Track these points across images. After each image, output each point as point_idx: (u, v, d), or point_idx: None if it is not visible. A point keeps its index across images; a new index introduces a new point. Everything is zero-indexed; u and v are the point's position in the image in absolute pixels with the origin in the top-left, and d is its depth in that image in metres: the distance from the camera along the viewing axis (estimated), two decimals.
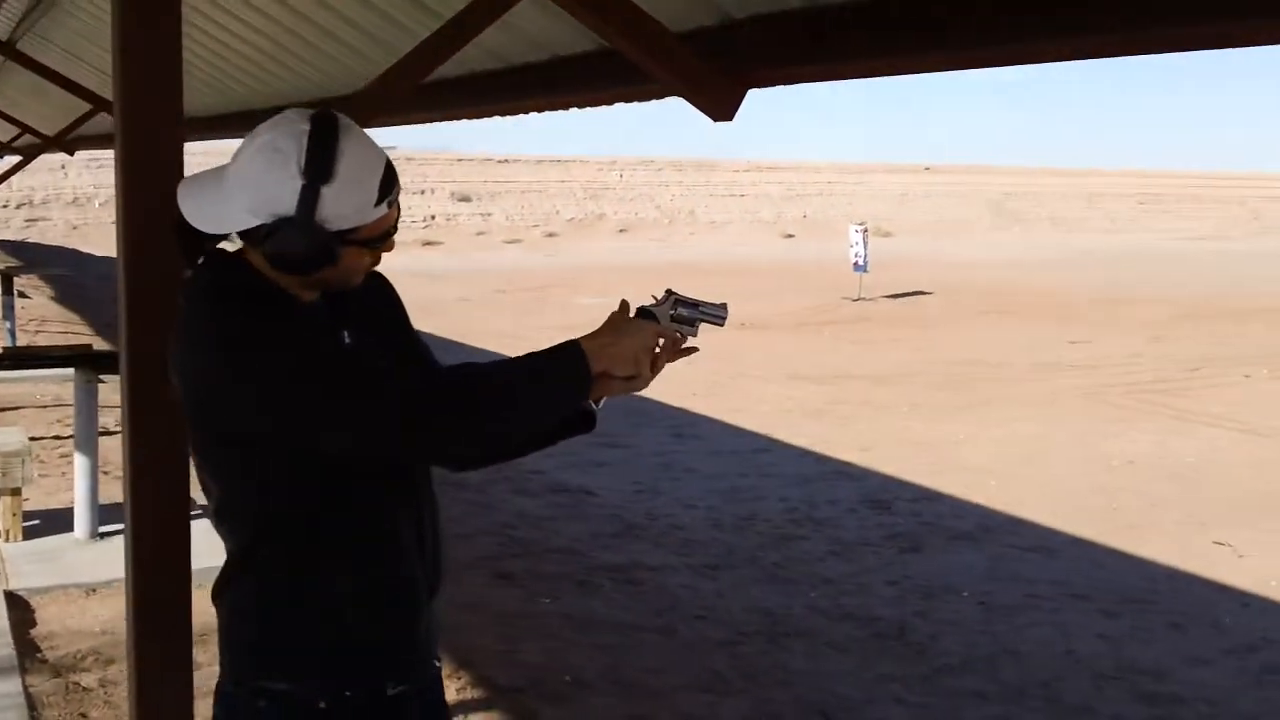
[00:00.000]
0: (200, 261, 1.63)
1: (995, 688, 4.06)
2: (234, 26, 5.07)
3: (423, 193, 34.22)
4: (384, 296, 1.76)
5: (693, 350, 1.72)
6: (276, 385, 1.50)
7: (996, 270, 26.04)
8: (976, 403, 10.12)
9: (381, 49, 4.11)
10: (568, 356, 1.56)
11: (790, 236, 38.39)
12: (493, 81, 3.74)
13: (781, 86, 2.73)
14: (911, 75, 2.65)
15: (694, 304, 1.74)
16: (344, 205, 1.52)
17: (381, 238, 1.59)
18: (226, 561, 1.65)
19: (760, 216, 40.05)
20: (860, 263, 20.22)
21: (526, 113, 3.83)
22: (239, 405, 1.52)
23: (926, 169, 47.52)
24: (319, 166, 1.49)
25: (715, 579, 5.21)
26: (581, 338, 1.59)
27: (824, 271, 23.43)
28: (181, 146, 2.09)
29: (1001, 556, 5.72)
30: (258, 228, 1.52)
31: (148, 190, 2.08)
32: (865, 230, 21.10)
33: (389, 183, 1.57)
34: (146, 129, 2.13)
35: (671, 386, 6.01)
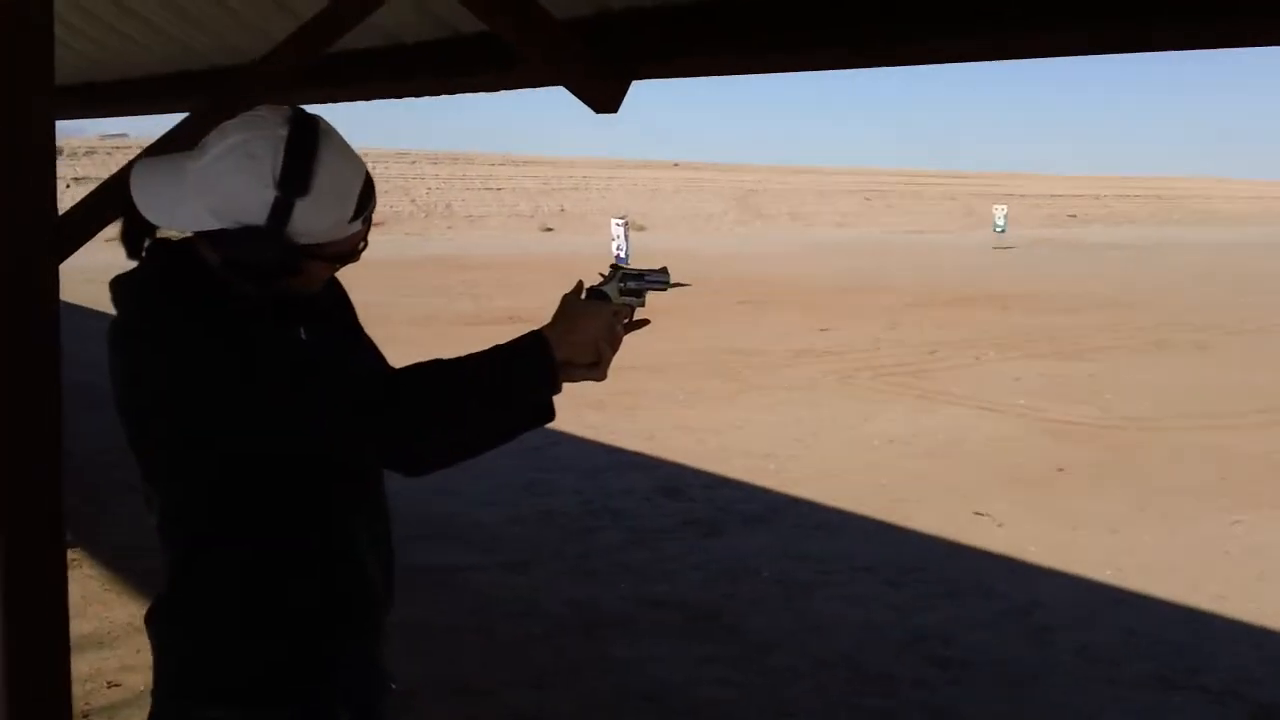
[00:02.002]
0: (145, 252, 1.49)
1: (806, 662, 4.30)
2: None
3: None
4: (334, 295, 1.67)
5: (645, 322, 1.69)
6: (270, 384, 1.40)
7: (746, 262, 27.20)
8: (745, 390, 10.56)
9: (268, 21, 3.81)
10: (533, 349, 1.50)
11: (550, 230, 38.60)
12: (379, 61, 3.51)
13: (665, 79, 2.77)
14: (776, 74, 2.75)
15: (639, 275, 1.71)
16: (317, 221, 1.43)
17: (350, 254, 1.51)
18: (168, 579, 1.53)
19: (519, 210, 40.06)
20: (622, 255, 20.66)
21: (415, 96, 3.66)
22: (219, 404, 1.40)
23: (675, 165, 48.91)
24: (295, 178, 1.39)
25: (526, 574, 5.23)
26: (543, 328, 1.53)
27: (586, 264, 23.64)
28: (53, 122, 1.83)
29: (791, 536, 6.02)
30: (219, 230, 1.41)
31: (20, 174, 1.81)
32: (626, 224, 21.56)
33: (366, 198, 1.48)
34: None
35: None
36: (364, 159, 1.54)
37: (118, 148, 35.64)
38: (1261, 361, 12.39)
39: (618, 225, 21.55)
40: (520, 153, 44.51)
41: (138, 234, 1.50)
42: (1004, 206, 37.18)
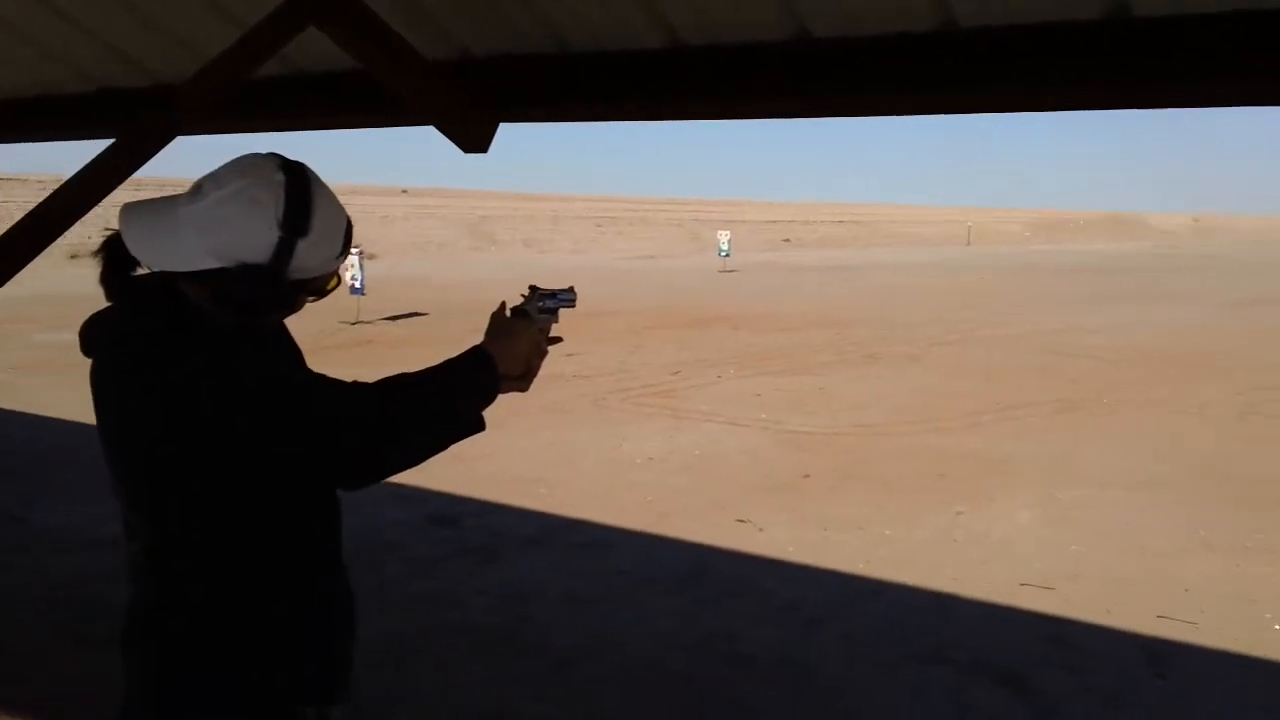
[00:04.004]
0: (131, 291, 1.56)
1: (612, 671, 4.51)
2: None
3: None
4: (277, 326, 1.76)
5: (559, 339, 1.88)
6: (276, 402, 1.50)
7: (482, 290, 27.25)
8: (505, 416, 10.61)
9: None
10: (479, 363, 1.66)
11: None
12: (263, 95, 3.39)
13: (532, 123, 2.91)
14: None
15: (553, 294, 1.89)
16: (313, 258, 1.55)
17: (329, 286, 1.63)
18: (149, 602, 1.58)
19: None
20: (358, 285, 20.21)
21: (294, 130, 3.59)
22: (231, 425, 1.47)
23: (404, 191, 48.29)
24: (297, 220, 1.51)
25: None
26: (484, 344, 1.70)
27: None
28: None
29: (569, 556, 6.22)
30: (216, 269, 1.49)
31: None
32: (361, 253, 21.12)
33: (349, 236, 1.63)
34: None
35: None
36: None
37: None
38: (964, 370, 13.74)
39: (354, 254, 21.12)
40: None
41: (121, 274, 1.56)
42: (728, 232, 39.05)
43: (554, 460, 8.60)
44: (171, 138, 2.52)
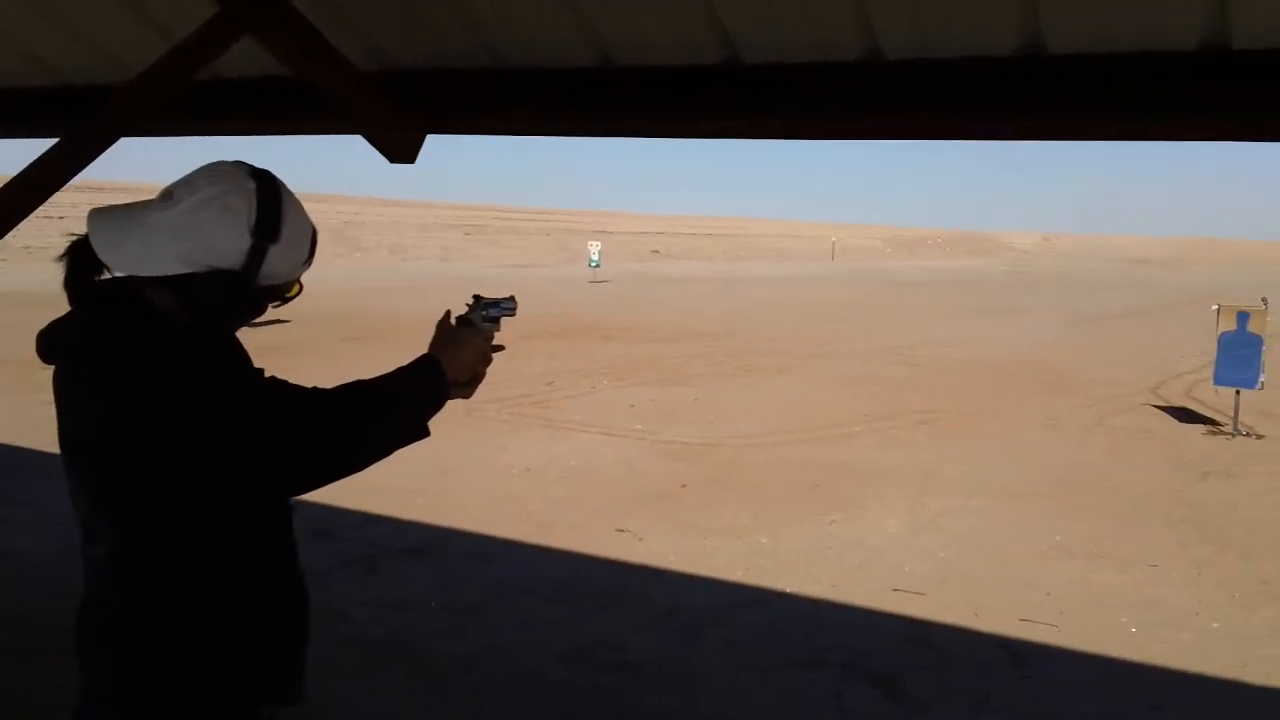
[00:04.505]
0: (94, 296, 1.56)
1: (495, 681, 4.49)
2: None
3: None
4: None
5: (501, 347, 1.91)
6: (241, 404, 1.51)
7: (348, 297, 26.75)
8: None
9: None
10: (430, 371, 1.69)
11: None
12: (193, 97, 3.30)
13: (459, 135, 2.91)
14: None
15: (496, 303, 1.92)
16: (282, 264, 1.57)
17: (291, 293, 1.67)
18: (111, 606, 1.58)
19: None
20: None
21: (225, 134, 3.47)
22: (195, 426, 1.48)
23: None
24: (268, 227, 1.54)
25: None
26: (432, 352, 1.73)
27: None
28: None
29: (450, 566, 6.17)
30: (186, 275, 1.50)
31: None
32: None
33: (315, 242, 1.65)
34: None
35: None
36: None
37: None
38: (831, 381, 14.13)
39: None
40: (91, 178, 40.82)
41: (84, 279, 1.57)
42: (598, 242, 39.26)
43: (430, 471, 8.50)
44: (114, 139, 2.52)
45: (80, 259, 1.58)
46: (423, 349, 1.77)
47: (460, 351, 1.79)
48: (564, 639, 5.04)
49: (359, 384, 1.66)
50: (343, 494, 7.60)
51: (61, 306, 1.67)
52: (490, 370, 1.89)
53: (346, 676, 4.47)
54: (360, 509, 7.22)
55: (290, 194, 1.63)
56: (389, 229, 50.00)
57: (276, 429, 1.54)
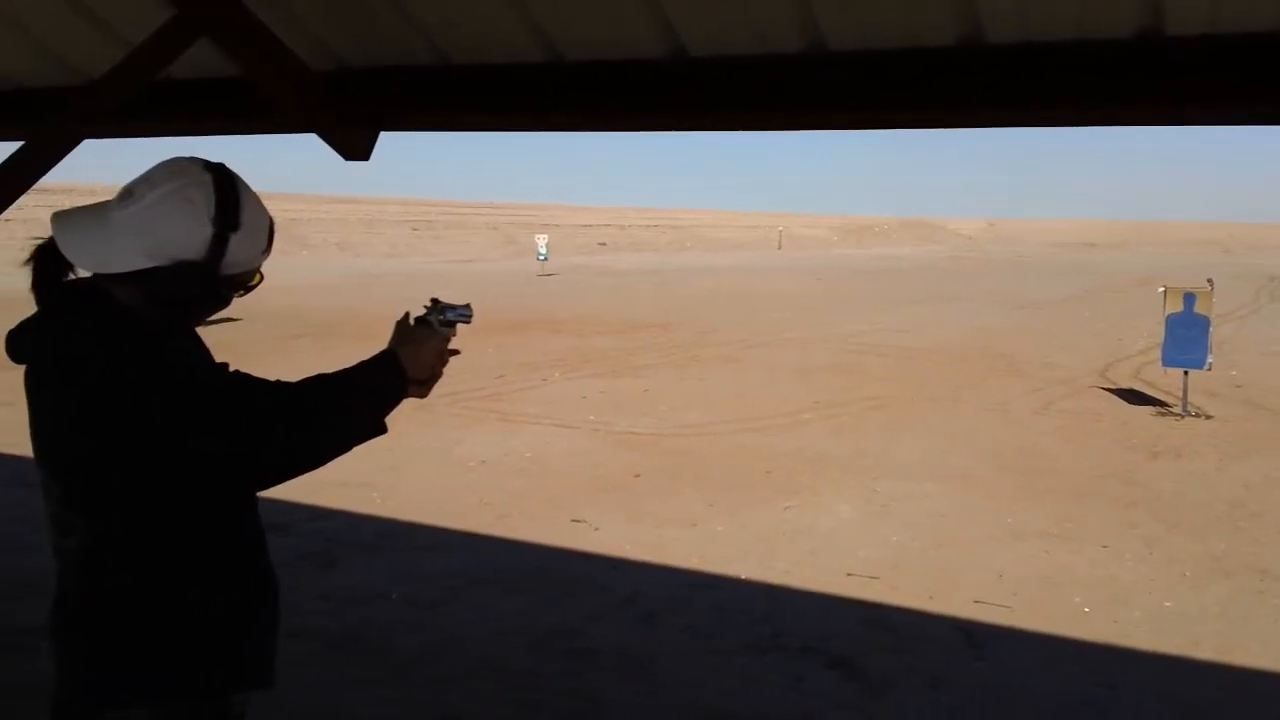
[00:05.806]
0: (60, 295, 1.59)
1: (457, 670, 4.51)
2: None
3: None
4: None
5: (456, 352, 1.94)
6: (207, 394, 1.54)
7: (297, 295, 26.41)
8: None
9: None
10: (390, 367, 1.72)
11: None
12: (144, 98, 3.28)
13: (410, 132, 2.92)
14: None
15: (453, 308, 1.95)
16: (243, 253, 1.61)
17: (253, 282, 1.68)
18: (83, 591, 1.59)
19: (33, 240, 35.88)
20: None
21: (174, 135, 3.44)
22: (162, 416, 1.50)
23: None
24: (228, 215, 1.58)
25: None
26: (392, 349, 1.76)
27: None
28: None
29: (407, 559, 6.16)
30: (151, 269, 1.52)
31: None
32: None
33: (272, 232, 1.69)
34: None
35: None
36: None
37: None
38: (777, 370, 14.24)
39: None
40: (56, 181, 39.85)
41: (52, 279, 1.61)
42: (545, 236, 39.13)
43: (384, 465, 8.46)
44: (76, 142, 2.55)
45: (47, 261, 1.61)
46: (374, 346, 1.80)
47: (419, 349, 1.83)
48: (525, 629, 5.06)
49: (321, 376, 1.70)
50: (295, 489, 7.53)
51: (29, 308, 1.68)
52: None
53: (308, 669, 4.46)
54: (313, 503, 7.17)
55: (246, 184, 1.68)
56: (336, 226, 49.51)
57: (246, 418, 1.56)
